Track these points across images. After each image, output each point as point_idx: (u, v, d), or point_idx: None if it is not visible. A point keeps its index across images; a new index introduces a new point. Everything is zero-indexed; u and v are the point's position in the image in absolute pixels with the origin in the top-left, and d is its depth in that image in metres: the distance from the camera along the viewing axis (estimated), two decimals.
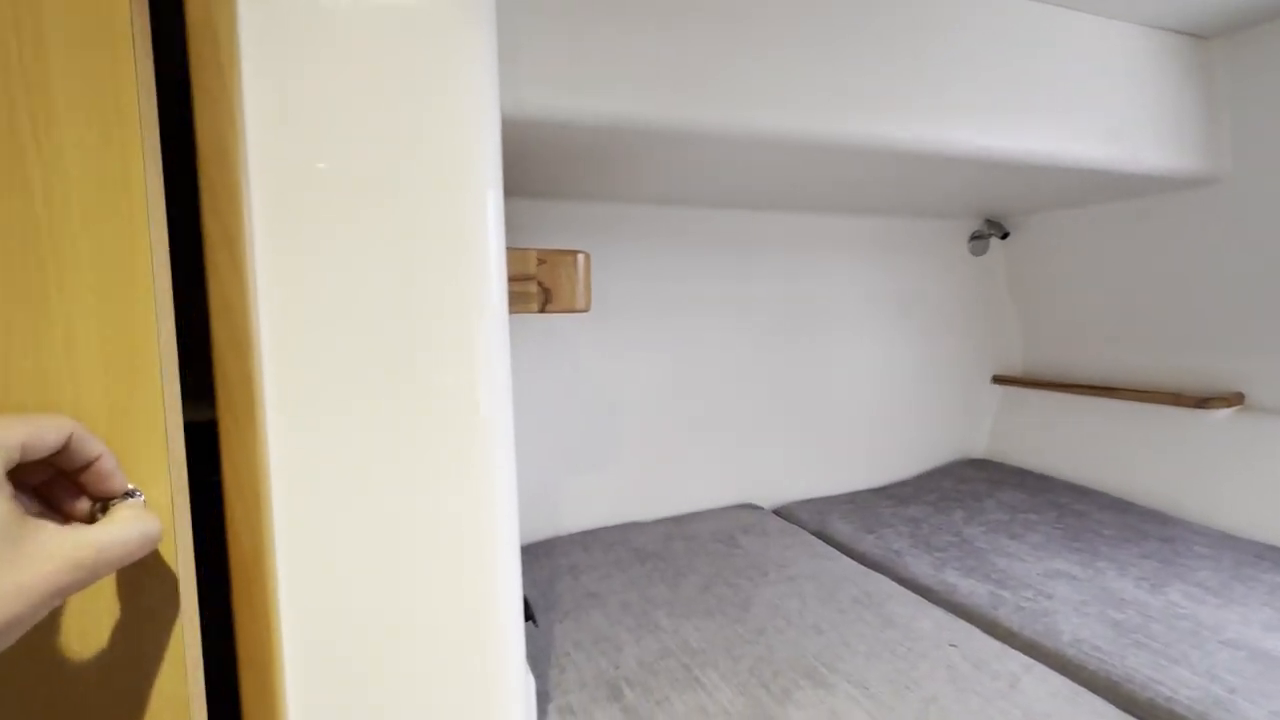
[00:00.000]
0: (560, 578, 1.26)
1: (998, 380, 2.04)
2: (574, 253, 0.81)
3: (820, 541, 1.43)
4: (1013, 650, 0.98)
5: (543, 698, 0.87)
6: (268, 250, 0.48)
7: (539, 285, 0.82)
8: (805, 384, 1.81)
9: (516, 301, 0.80)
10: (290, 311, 0.49)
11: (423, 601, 0.54)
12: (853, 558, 1.36)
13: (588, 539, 1.45)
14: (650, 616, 1.09)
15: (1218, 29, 1.34)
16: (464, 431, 0.54)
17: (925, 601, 1.14)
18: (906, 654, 0.96)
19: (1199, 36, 1.38)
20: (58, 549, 0.30)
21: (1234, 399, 1.52)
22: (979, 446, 2.06)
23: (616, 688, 0.89)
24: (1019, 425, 1.98)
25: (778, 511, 1.69)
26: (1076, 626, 1.03)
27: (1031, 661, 0.94)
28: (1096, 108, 1.25)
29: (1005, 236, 1.97)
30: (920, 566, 1.28)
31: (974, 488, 1.75)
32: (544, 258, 0.81)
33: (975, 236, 2.00)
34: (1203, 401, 1.51)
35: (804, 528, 1.55)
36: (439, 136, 0.53)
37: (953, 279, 2.00)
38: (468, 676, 0.55)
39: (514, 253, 0.77)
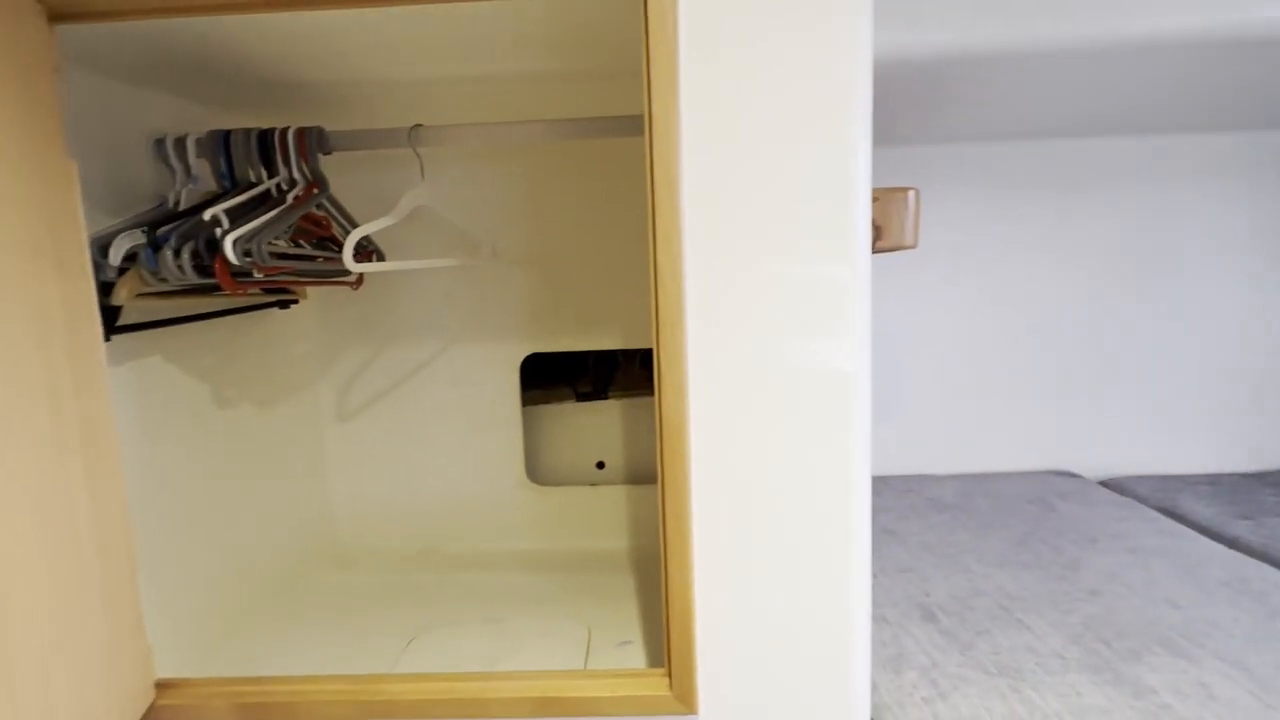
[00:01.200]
0: None
1: None
2: (905, 189, 0.83)
3: (1167, 518, 1.24)
4: None
5: None
6: (694, 197, 0.62)
7: (871, 223, 0.87)
8: (1146, 341, 1.53)
9: None
10: (707, 243, 0.62)
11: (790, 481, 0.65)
12: (1218, 540, 1.15)
13: (878, 485, 1.47)
14: (957, 560, 1.08)
15: None
16: (837, 339, 0.64)
17: None
18: None
19: None
20: None
21: None
22: None
23: (929, 611, 0.93)
24: None
25: (1104, 483, 1.48)
26: None
27: None
28: None
29: None
30: None
31: None
32: (877, 195, 0.85)
33: None
34: None
35: (1143, 502, 1.34)
36: (821, 87, 0.61)
37: None
38: (828, 545, 0.66)
39: None
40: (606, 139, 1.04)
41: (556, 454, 1.51)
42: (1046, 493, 1.37)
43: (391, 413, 1.37)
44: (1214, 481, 1.43)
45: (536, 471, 1.48)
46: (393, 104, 1.14)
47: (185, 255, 0.77)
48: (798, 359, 0.65)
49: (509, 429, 1.40)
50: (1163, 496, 1.35)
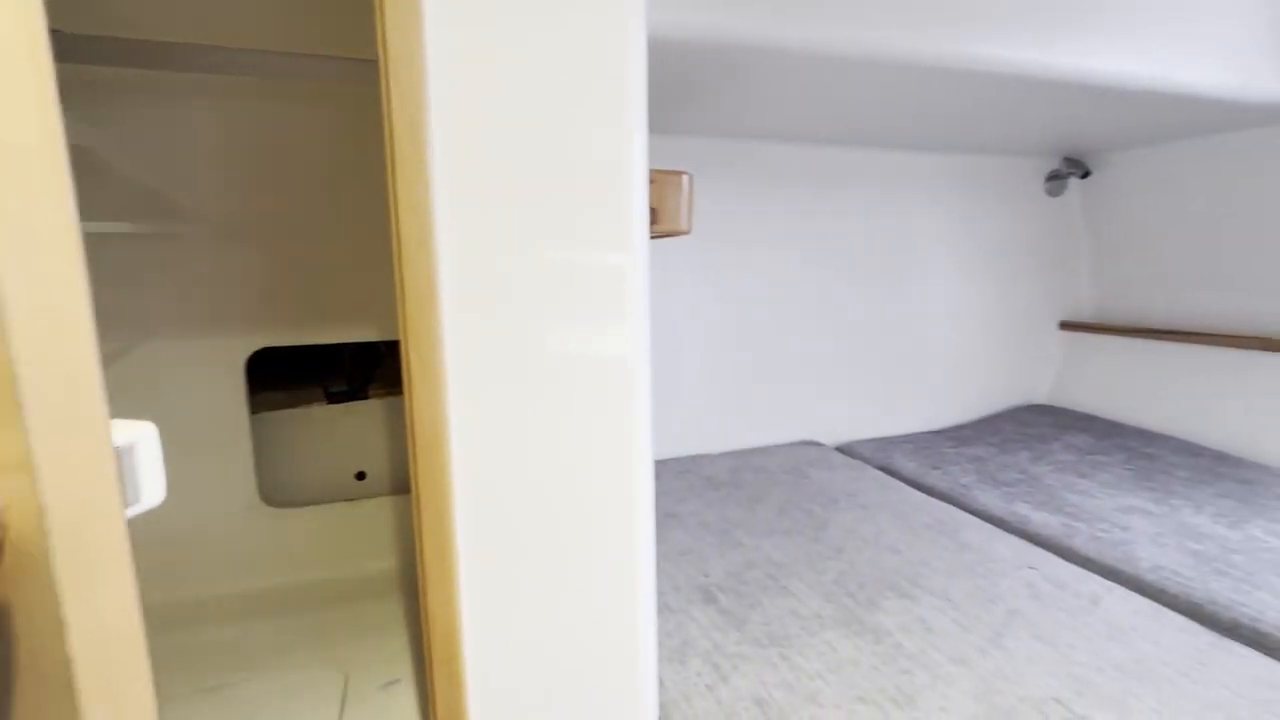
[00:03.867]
0: None
1: (1065, 326, 2.00)
2: (679, 173, 0.82)
3: (885, 475, 1.47)
4: (1090, 574, 1.00)
5: None
6: (445, 164, 0.51)
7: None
8: (875, 325, 1.80)
9: None
10: (468, 220, 0.52)
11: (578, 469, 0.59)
12: (921, 490, 1.39)
13: (658, 468, 1.51)
14: (731, 535, 1.14)
15: None
16: (615, 325, 0.58)
17: (998, 530, 1.17)
18: (986, 573, 0.99)
19: None
20: None
21: None
22: (1042, 392, 2.05)
23: (709, 593, 0.95)
24: (1086, 371, 1.95)
25: (840, 449, 1.72)
26: (1155, 555, 1.05)
27: (1110, 584, 0.97)
28: (1210, 29, 1.18)
29: (1085, 176, 1.89)
30: (989, 499, 1.31)
31: (1039, 431, 1.74)
32: (653, 177, 0.83)
33: (1053, 176, 1.92)
34: None
35: (868, 463, 1.58)
36: (595, 59, 0.55)
37: (1027, 221, 1.94)
38: (610, 545, 0.61)
39: None
40: (364, 86, 0.86)
41: (303, 468, 1.27)
42: (799, 462, 1.53)
43: None
44: (912, 440, 1.74)
45: (276, 491, 1.22)
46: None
47: None
48: (575, 347, 0.58)
49: (234, 443, 1.13)
50: (881, 456, 1.61)
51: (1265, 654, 0.81)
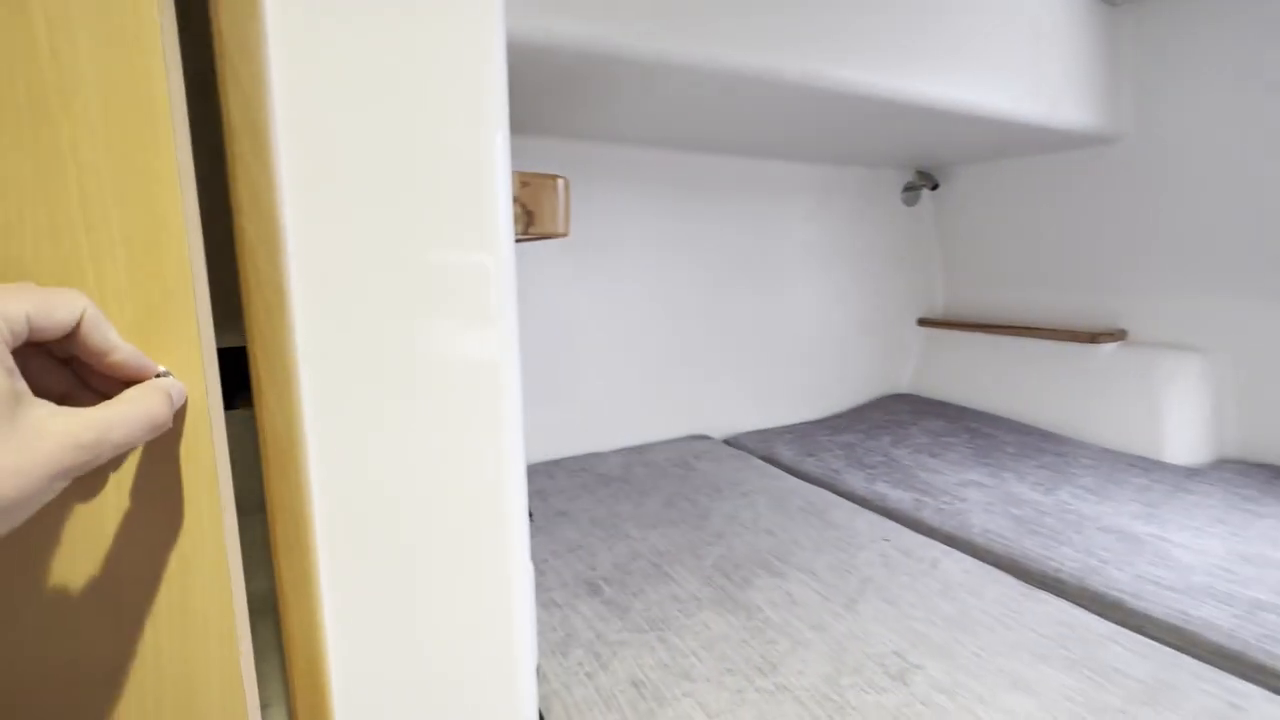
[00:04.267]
0: (530, 500, 1.32)
1: (922, 323, 2.23)
2: (554, 177, 0.84)
3: (767, 464, 1.56)
4: (934, 541, 1.13)
5: None
6: (292, 161, 0.50)
7: (521, 206, 0.86)
8: (754, 324, 1.92)
9: None
10: (318, 211, 0.51)
11: (441, 486, 0.59)
12: (797, 476, 1.50)
13: (552, 468, 1.52)
14: (619, 529, 1.18)
15: None
16: (481, 327, 0.59)
17: (861, 508, 1.29)
18: (846, 547, 1.09)
19: (1109, 3, 1.51)
20: (58, 427, 0.28)
21: (1118, 334, 1.75)
22: (904, 382, 2.26)
23: (595, 585, 0.98)
24: (940, 363, 2.18)
25: (727, 441, 1.81)
26: (984, 521, 1.20)
27: (949, 549, 1.10)
28: (1024, 64, 1.37)
29: (935, 188, 2.11)
30: (855, 481, 1.43)
31: (900, 418, 1.93)
32: (527, 180, 0.85)
33: (908, 187, 2.13)
34: (1094, 337, 1.72)
35: (752, 454, 1.67)
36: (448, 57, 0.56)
37: (887, 227, 2.14)
38: (483, 553, 0.62)
39: None
40: None
41: None
42: (688, 455, 1.60)
43: None
44: (793, 430, 1.87)
45: None
46: None
47: None
48: (440, 350, 0.59)
49: None
50: (765, 446, 1.71)
51: (1064, 599, 0.95)
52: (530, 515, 1.04)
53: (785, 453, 1.65)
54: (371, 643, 0.58)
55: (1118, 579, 0.98)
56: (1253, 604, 0.90)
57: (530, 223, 0.89)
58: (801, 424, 1.95)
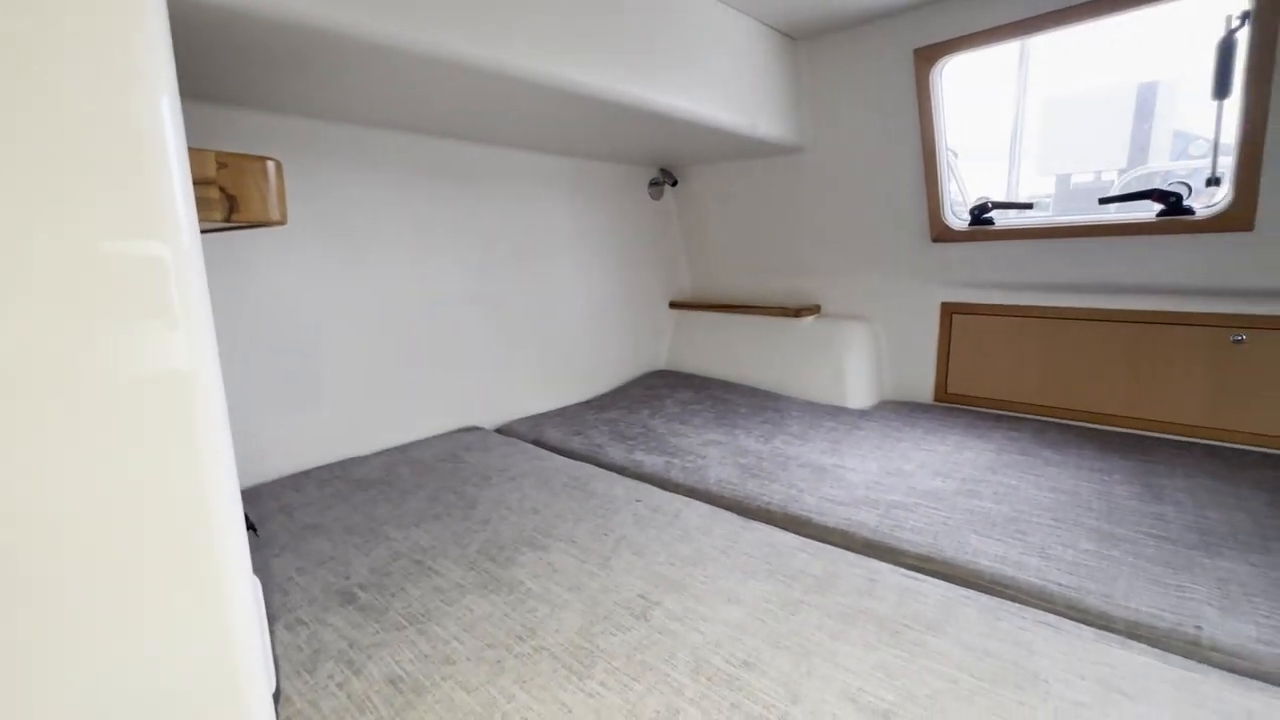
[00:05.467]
0: (272, 518, 1.19)
1: (673, 305, 2.48)
2: (263, 159, 0.77)
3: (537, 448, 1.62)
4: (679, 496, 1.29)
5: (270, 620, 0.86)
6: None
7: (221, 191, 0.77)
8: (523, 313, 1.95)
9: (197, 208, 0.74)
10: None
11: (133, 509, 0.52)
12: (565, 455, 1.58)
13: (299, 480, 1.38)
14: (378, 532, 1.13)
15: (802, 32, 1.81)
16: (163, 329, 0.53)
17: (620, 476, 1.41)
18: (604, 512, 1.20)
19: (791, 36, 1.84)
20: None
21: (815, 309, 2.15)
22: (661, 360, 2.50)
23: (349, 594, 0.93)
24: (689, 340, 2.46)
25: (500, 430, 1.83)
26: (719, 472, 1.40)
27: (690, 500, 1.27)
28: (731, 84, 1.60)
29: (675, 184, 2.36)
30: (617, 452, 1.56)
31: (658, 392, 2.14)
32: (225, 161, 0.76)
33: (653, 183, 2.35)
34: (797, 312, 2.10)
35: (522, 439, 1.72)
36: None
37: (639, 218, 2.33)
38: (192, 580, 0.56)
39: (190, 153, 0.72)
40: None
41: None
42: (456, 448, 1.58)
43: None
44: (563, 413, 1.96)
45: None
46: None
47: None
48: (107, 361, 0.51)
49: None
50: (535, 430, 1.76)
51: (771, 525, 1.17)
52: (253, 529, 0.95)
53: (554, 434, 1.72)
54: (59, 705, 0.49)
55: (808, 503, 1.24)
56: (890, 505, 1.21)
57: (233, 209, 0.81)
58: (572, 406, 2.05)
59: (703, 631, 0.83)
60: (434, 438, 1.68)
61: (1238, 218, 1.38)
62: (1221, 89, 1.32)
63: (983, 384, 1.89)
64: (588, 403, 2.08)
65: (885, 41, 1.70)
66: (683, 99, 1.46)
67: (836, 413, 1.87)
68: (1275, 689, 0.72)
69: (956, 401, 1.95)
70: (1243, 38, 1.27)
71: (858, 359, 2.01)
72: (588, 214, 2.14)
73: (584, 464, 1.49)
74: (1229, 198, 1.38)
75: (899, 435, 1.65)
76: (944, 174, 1.74)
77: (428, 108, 1.38)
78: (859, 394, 1.99)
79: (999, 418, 1.80)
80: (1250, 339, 1.49)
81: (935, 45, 1.60)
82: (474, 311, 1.82)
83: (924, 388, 2.01)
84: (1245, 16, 1.25)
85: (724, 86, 1.58)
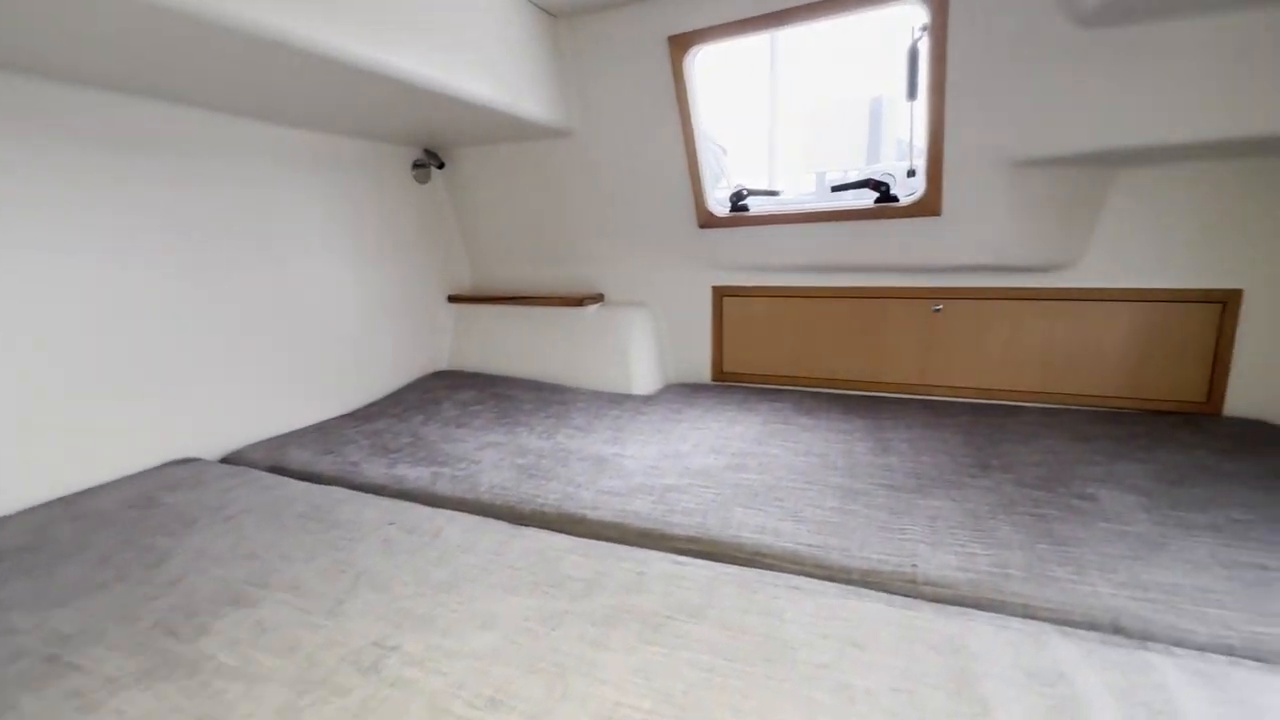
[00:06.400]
0: None
1: (452, 299, 2.28)
2: None
3: (273, 475, 1.34)
4: (443, 510, 1.14)
5: None
6: None
7: None
8: (260, 317, 1.61)
9: None
10: None
11: None
12: (308, 480, 1.33)
13: None
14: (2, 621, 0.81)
15: (561, 10, 1.73)
16: None
17: (376, 496, 1.21)
18: (346, 545, 1.00)
19: (550, 14, 1.75)
20: None
21: (598, 297, 2.12)
22: (443, 359, 2.29)
23: None
24: (472, 336, 2.28)
25: (226, 459, 1.49)
26: (492, 477, 1.28)
27: (455, 514, 1.12)
28: (495, 62, 1.47)
29: (441, 166, 2.15)
30: (375, 469, 1.35)
31: (435, 395, 1.94)
32: None
33: (418, 165, 2.12)
34: (580, 301, 2.05)
35: (255, 467, 1.42)
36: None
37: (405, 204, 2.09)
38: None
39: None
40: None
41: None
42: (156, 489, 1.24)
43: None
44: (321, 429, 1.67)
45: None
46: None
47: None
48: None
49: None
50: (274, 455, 1.47)
51: (545, 529, 1.08)
52: None
53: (299, 456, 1.45)
54: None
55: (584, 498, 1.17)
56: (665, 489, 1.20)
57: None
58: (331, 420, 1.76)
59: (445, 673, 0.71)
60: (126, 479, 1.31)
61: (929, 204, 1.61)
62: (912, 91, 1.52)
63: (752, 361, 2.02)
64: (352, 414, 1.81)
65: (642, 26, 1.69)
66: (426, 66, 1.30)
67: (622, 400, 1.86)
68: (972, 610, 0.81)
69: (731, 380, 2.06)
70: (924, 47, 1.47)
71: (640, 345, 2.02)
72: (343, 199, 1.85)
73: (331, 488, 1.26)
74: (923, 188, 1.61)
75: (679, 417, 1.68)
76: (706, 162, 1.80)
77: (130, 58, 1.04)
78: (643, 379, 2.00)
79: (765, 391, 1.93)
80: (946, 308, 1.77)
81: (687, 34, 1.64)
82: (191, 317, 1.45)
83: (703, 369, 2.09)
84: (925, 28, 1.45)
85: (478, 58, 1.44)
